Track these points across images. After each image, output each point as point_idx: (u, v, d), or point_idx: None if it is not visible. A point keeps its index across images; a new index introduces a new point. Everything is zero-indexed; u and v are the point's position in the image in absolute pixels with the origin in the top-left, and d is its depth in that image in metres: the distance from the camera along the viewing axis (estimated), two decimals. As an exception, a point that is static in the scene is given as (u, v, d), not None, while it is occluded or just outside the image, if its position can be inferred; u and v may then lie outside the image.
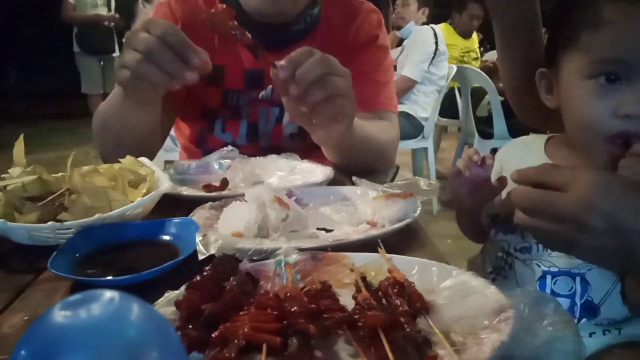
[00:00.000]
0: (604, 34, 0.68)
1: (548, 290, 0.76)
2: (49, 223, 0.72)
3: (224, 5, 0.92)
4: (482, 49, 5.55)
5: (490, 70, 4.29)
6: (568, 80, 0.73)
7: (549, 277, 0.76)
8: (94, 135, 1.15)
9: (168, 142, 1.40)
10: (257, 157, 1.12)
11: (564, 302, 0.75)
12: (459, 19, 4.52)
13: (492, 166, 0.77)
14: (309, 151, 1.14)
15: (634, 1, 0.67)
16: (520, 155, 0.85)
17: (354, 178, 0.94)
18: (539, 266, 0.77)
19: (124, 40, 1.05)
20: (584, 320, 0.75)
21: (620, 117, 0.66)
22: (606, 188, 0.55)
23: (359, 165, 1.14)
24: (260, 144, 1.27)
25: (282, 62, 0.83)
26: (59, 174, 0.85)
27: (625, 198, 0.55)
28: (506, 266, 0.82)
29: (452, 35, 4.49)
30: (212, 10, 0.89)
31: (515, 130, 3.19)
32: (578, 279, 0.75)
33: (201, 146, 1.29)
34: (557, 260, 0.76)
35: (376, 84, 1.25)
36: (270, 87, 1.25)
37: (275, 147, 1.16)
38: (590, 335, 0.76)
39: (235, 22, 0.89)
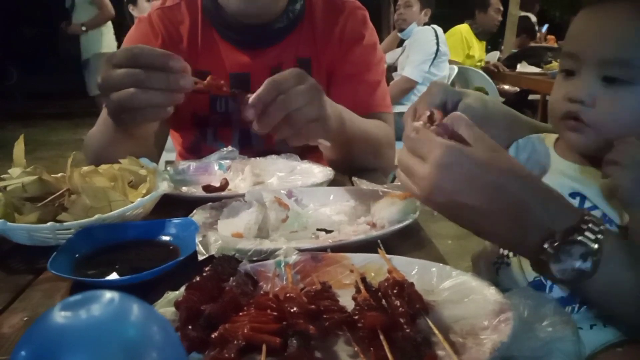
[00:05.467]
0: (568, 33, 0.79)
1: None
2: (49, 223, 0.72)
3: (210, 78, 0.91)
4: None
5: (492, 72, 4.29)
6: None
7: None
8: (85, 159, 1.14)
9: (168, 141, 1.40)
10: (257, 158, 1.12)
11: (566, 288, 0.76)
12: (484, 17, 4.46)
13: None
14: (303, 153, 1.14)
15: (592, 5, 0.76)
16: (530, 151, 0.86)
17: (353, 178, 0.94)
18: None
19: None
20: (584, 307, 0.76)
21: (566, 100, 0.76)
22: (452, 166, 0.58)
23: (356, 160, 1.14)
24: (253, 149, 1.26)
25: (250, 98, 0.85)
26: (59, 175, 0.85)
27: (470, 175, 0.58)
28: (510, 253, 0.84)
29: (472, 38, 4.45)
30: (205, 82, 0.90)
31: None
32: None
33: (195, 155, 1.29)
34: None
35: (368, 86, 1.25)
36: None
37: (269, 151, 1.16)
38: (591, 327, 0.76)
39: (222, 82, 0.92)
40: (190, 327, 0.48)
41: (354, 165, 1.13)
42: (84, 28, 5.11)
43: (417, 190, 0.62)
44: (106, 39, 5.22)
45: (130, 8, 4.02)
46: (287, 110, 0.84)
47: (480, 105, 0.82)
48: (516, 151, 0.88)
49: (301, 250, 0.64)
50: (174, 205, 0.88)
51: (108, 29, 5.25)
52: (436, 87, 0.81)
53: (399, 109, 3.29)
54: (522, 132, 0.88)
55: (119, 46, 5.20)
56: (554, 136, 0.88)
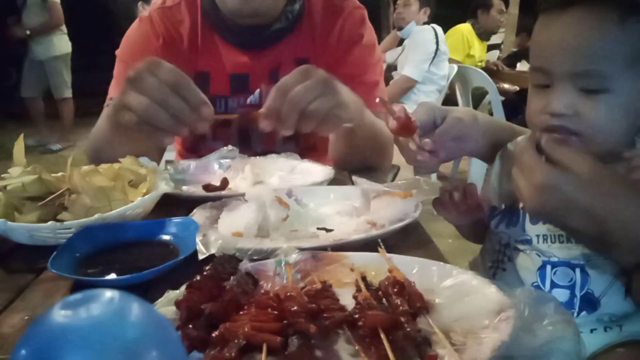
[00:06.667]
0: (533, 45, 0.79)
1: (548, 281, 0.77)
2: (49, 223, 0.72)
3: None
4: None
5: (491, 71, 4.29)
6: (529, 87, 0.82)
7: (548, 267, 0.77)
8: (88, 158, 1.14)
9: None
10: (257, 157, 1.12)
11: (564, 294, 0.75)
12: (486, 18, 4.44)
13: (487, 205, 0.84)
14: (303, 153, 1.14)
15: (550, 13, 0.75)
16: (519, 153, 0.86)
17: (353, 178, 0.94)
18: (539, 256, 0.78)
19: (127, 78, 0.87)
20: (583, 313, 0.75)
21: (546, 114, 0.74)
22: (550, 192, 0.62)
23: (363, 155, 1.14)
24: (253, 149, 1.26)
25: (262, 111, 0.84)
26: (59, 174, 0.85)
27: (568, 201, 0.62)
28: (505, 259, 0.83)
29: (474, 38, 4.45)
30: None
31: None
32: (578, 270, 0.76)
33: (195, 154, 1.29)
34: (557, 251, 0.77)
35: (366, 86, 1.24)
36: (257, 91, 1.24)
37: (269, 151, 1.15)
38: (592, 331, 0.76)
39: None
40: (190, 326, 0.48)
41: (359, 161, 1.13)
42: (28, 32, 4.89)
43: (524, 205, 0.68)
44: (58, 42, 5.05)
45: (143, 6, 3.95)
46: (298, 108, 0.83)
47: (470, 118, 0.82)
48: (503, 154, 0.87)
49: (301, 250, 0.64)
50: (174, 204, 0.88)
51: (59, 33, 5.06)
52: (422, 107, 0.81)
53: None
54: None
55: (74, 47, 5.11)
56: None
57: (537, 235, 0.78)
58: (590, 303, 0.75)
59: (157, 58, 0.85)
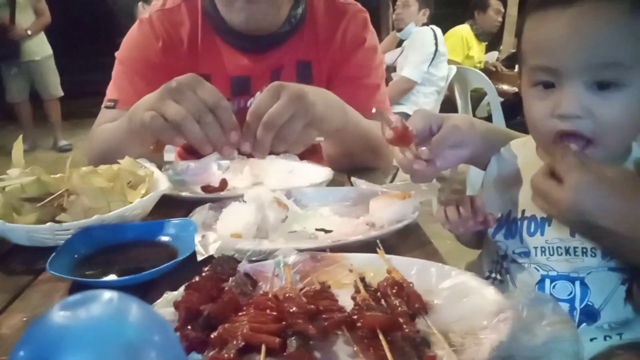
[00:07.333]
0: (531, 44, 0.74)
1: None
2: (48, 224, 0.72)
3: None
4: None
5: (490, 72, 4.29)
6: (523, 90, 0.78)
7: (547, 281, 0.76)
8: (88, 159, 1.13)
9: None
10: (256, 158, 1.11)
11: (563, 307, 0.74)
12: (483, 18, 4.44)
13: (493, 221, 0.81)
14: (303, 154, 1.14)
15: (550, 9, 0.71)
16: (516, 156, 0.85)
17: (352, 179, 0.94)
18: (538, 270, 0.77)
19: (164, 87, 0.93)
20: (583, 325, 0.75)
21: (557, 117, 0.71)
22: (588, 188, 0.63)
23: (356, 157, 1.14)
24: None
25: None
26: (58, 175, 0.85)
27: (606, 197, 0.63)
28: (502, 270, 0.82)
29: (472, 39, 4.45)
30: None
31: (515, 131, 3.18)
32: (577, 283, 0.74)
33: (194, 155, 1.29)
34: (556, 264, 0.75)
35: (368, 89, 1.25)
36: (258, 93, 1.24)
37: (269, 154, 1.15)
38: (591, 340, 0.75)
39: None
40: (189, 327, 0.48)
41: (354, 162, 1.13)
42: (29, 32, 4.88)
43: (554, 212, 0.67)
44: (47, 41, 5.08)
45: (143, 7, 3.93)
46: (272, 130, 0.83)
47: (467, 124, 0.81)
48: (498, 160, 0.87)
49: (300, 251, 0.64)
50: (173, 205, 0.88)
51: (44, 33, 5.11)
52: (418, 115, 0.80)
53: (397, 109, 3.29)
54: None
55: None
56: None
57: (536, 248, 0.77)
58: (590, 315, 0.74)
59: (199, 76, 0.85)
